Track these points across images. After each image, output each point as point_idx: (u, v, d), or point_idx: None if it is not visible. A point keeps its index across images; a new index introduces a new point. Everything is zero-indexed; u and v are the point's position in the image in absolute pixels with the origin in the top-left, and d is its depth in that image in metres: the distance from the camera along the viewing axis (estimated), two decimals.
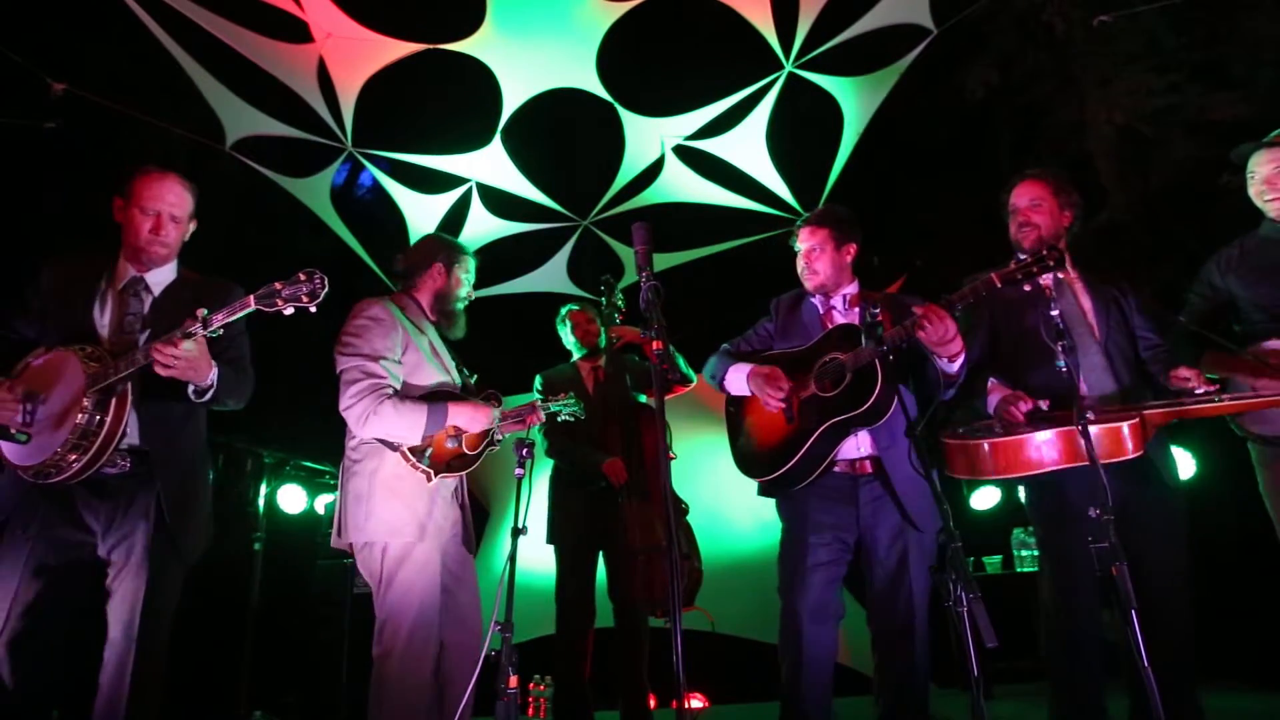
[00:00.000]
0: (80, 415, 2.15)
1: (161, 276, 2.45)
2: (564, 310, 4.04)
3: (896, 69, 5.13)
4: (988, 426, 2.50)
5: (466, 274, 2.80)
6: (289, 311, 2.10)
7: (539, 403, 2.74)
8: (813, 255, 2.71)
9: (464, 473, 2.63)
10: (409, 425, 2.44)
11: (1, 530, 2.24)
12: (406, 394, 2.53)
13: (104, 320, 2.35)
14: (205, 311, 2.13)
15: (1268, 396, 2.35)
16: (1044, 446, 2.35)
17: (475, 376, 2.83)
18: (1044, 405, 2.42)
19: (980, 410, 2.61)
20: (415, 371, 2.58)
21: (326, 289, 2.11)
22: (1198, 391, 2.34)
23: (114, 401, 2.19)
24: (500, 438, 2.65)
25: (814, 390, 2.53)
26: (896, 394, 2.42)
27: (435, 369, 2.63)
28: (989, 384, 2.59)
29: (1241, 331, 2.73)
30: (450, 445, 2.54)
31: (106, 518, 2.27)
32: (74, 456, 2.16)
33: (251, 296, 2.12)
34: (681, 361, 3.67)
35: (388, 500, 2.45)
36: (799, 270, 2.77)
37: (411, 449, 2.49)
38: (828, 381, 2.51)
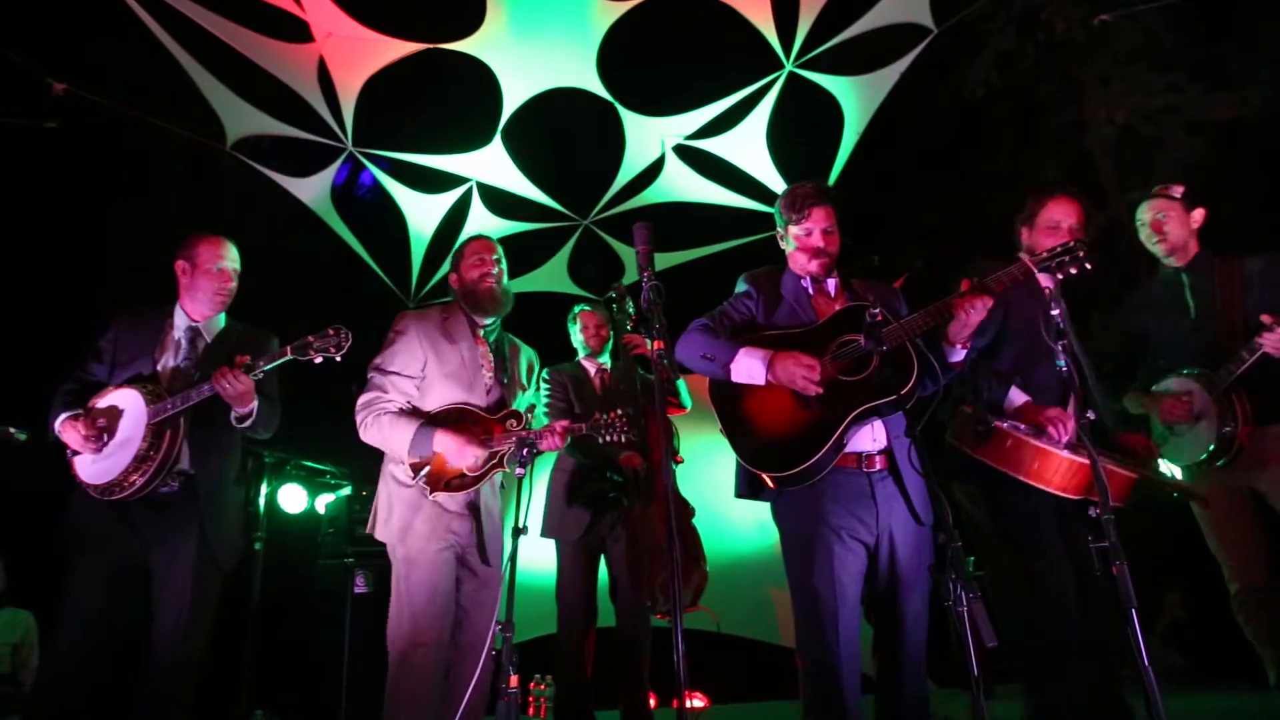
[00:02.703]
0: (142, 443, 2.54)
1: (214, 325, 2.87)
2: (576, 309, 3.96)
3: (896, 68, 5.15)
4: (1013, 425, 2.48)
5: (473, 260, 2.85)
6: (319, 360, 2.56)
7: (569, 425, 2.67)
8: (831, 237, 2.52)
9: (471, 490, 2.63)
10: (395, 443, 2.62)
11: (74, 541, 2.62)
12: (412, 411, 2.67)
13: (165, 363, 2.76)
14: (248, 359, 2.58)
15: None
16: (1063, 469, 2.38)
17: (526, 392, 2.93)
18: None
19: (991, 403, 2.55)
20: (429, 390, 2.70)
21: (350, 342, 2.55)
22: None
23: (169, 432, 2.59)
24: (514, 459, 2.57)
25: (833, 374, 2.32)
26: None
27: (455, 388, 2.70)
28: (1011, 391, 2.56)
29: (1161, 368, 2.91)
30: (452, 465, 2.61)
31: (160, 531, 2.62)
32: (135, 477, 2.55)
33: (289, 347, 2.59)
34: (682, 386, 3.65)
35: (399, 506, 2.62)
36: (811, 251, 2.51)
37: (411, 464, 2.61)
38: (847, 364, 2.33)
